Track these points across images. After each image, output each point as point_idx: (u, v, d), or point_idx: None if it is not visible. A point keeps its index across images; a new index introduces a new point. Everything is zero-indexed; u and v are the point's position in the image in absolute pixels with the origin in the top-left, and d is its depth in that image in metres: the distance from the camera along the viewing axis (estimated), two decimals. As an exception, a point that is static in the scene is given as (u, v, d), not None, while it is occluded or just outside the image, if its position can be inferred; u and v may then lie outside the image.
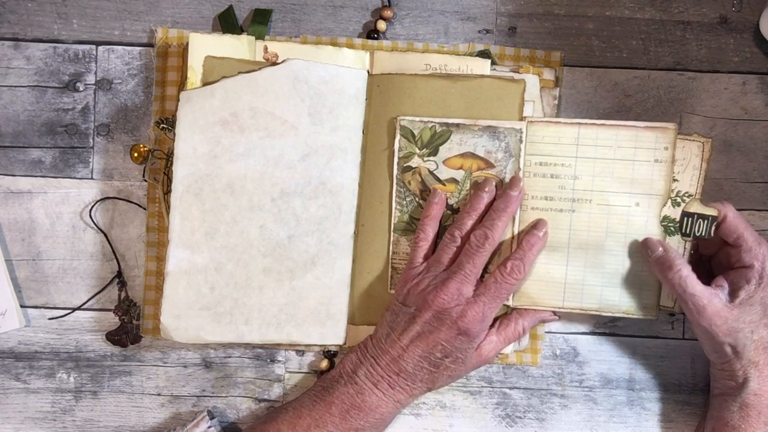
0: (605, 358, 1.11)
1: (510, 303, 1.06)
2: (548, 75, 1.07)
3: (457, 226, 1.04)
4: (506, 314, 1.07)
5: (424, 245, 1.05)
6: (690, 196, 1.05)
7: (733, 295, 1.01)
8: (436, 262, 1.04)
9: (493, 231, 1.01)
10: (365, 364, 1.03)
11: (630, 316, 1.05)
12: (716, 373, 1.05)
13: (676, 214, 1.05)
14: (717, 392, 1.06)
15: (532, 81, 1.06)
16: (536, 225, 1.04)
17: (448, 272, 1.02)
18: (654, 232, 1.04)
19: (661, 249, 1.01)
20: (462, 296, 1.00)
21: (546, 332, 1.11)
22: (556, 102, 1.07)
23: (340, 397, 1.02)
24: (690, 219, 1.04)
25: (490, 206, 1.04)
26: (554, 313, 1.07)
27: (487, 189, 1.04)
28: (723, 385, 1.04)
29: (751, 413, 1.02)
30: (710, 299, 0.99)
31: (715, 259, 1.07)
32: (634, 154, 1.04)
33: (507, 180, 1.05)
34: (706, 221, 1.03)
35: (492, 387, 1.11)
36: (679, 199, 1.05)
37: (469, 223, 1.04)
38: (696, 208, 1.04)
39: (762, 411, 1.02)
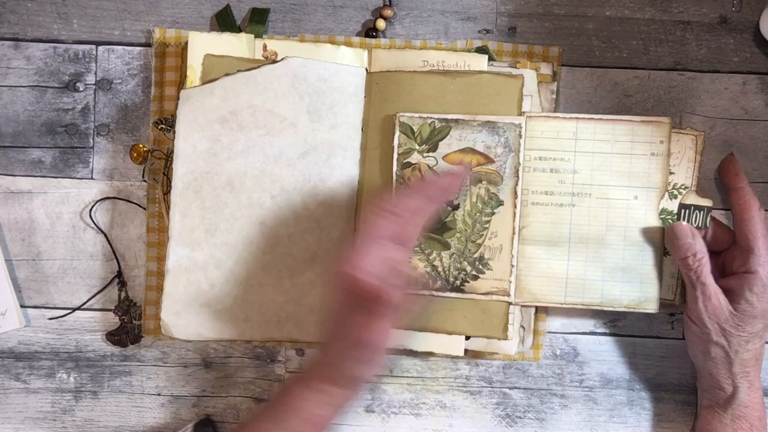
0: (605, 358, 1.11)
1: (512, 300, 1.06)
2: (545, 70, 1.08)
3: None
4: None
5: None
6: (686, 188, 1.06)
7: (734, 300, 1.00)
8: None
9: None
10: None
11: (631, 310, 1.05)
12: (704, 383, 1.05)
13: (673, 206, 1.05)
14: (706, 403, 1.05)
15: (529, 76, 1.06)
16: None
17: None
18: (653, 224, 1.05)
19: (691, 236, 1.01)
20: None
21: (547, 332, 1.11)
22: (554, 96, 1.07)
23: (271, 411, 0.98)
24: (687, 210, 1.05)
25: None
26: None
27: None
28: (712, 396, 1.04)
29: (743, 425, 1.02)
30: (717, 294, 1.00)
31: (725, 257, 1.06)
32: (631, 148, 1.05)
33: (506, 175, 1.05)
34: (702, 212, 1.05)
35: (492, 387, 1.11)
36: (675, 192, 1.06)
37: None
38: (692, 199, 1.06)
39: (753, 423, 1.02)
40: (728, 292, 1.01)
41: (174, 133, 1.05)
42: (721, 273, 1.04)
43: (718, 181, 1.10)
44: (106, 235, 1.11)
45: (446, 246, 1.06)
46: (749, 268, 1.00)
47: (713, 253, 1.04)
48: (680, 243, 1.01)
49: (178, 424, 1.11)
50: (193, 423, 1.09)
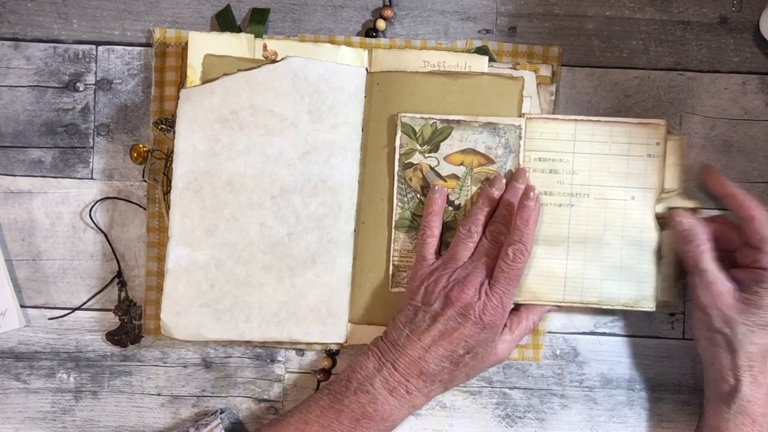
0: (605, 358, 1.11)
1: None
2: (545, 71, 1.08)
3: (471, 221, 1.03)
4: (515, 312, 1.06)
5: (433, 241, 1.04)
6: (672, 191, 1.06)
7: (743, 289, 1.00)
8: (452, 258, 1.03)
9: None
10: (383, 370, 1.01)
11: (629, 308, 1.06)
12: (709, 374, 1.05)
13: (660, 209, 1.06)
14: (711, 398, 1.05)
15: (528, 77, 1.07)
16: (525, 193, 1.02)
17: (468, 267, 1.02)
18: (649, 224, 1.05)
19: (688, 222, 1.02)
20: (482, 290, 1.00)
21: (547, 332, 1.11)
22: (553, 98, 1.07)
23: (351, 405, 1.00)
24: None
25: (500, 200, 1.04)
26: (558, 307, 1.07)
27: (497, 186, 1.04)
28: (716, 388, 1.04)
29: (745, 421, 1.02)
30: (720, 279, 1.00)
31: (738, 254, 1.05)
32: (628, 150, 1.05)
33: (507, 175, 1.05)
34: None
35: (492, 387, 1.11)
36: (663, 195, 1.06)
37: (482, 217, 1.03)
38: (677, 202, 1.05)
39: (756, 419, 1.01)
40: (738, 282, 1.01)
41: (174, 133, 1.05)
42: (733, 265, 1.04)
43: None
44: (106, 235, 1.10)
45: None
46: (762, 265, 1.00)
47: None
48: (679, 231, 1.03)
49: (178, 423, 1.11)
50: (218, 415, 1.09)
